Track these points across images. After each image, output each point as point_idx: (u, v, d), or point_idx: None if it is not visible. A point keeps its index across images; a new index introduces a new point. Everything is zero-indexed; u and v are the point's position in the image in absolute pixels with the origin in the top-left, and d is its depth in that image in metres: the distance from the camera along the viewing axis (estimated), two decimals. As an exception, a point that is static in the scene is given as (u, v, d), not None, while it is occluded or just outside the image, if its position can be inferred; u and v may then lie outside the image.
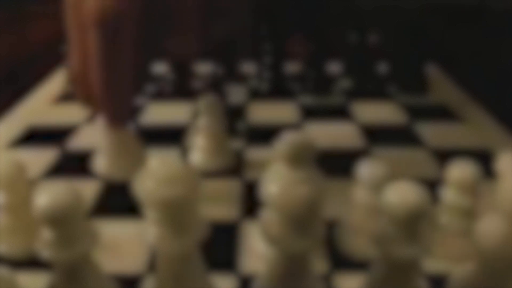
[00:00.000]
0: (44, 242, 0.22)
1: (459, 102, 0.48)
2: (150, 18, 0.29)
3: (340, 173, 0.35)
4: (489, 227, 0.22)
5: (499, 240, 0.22)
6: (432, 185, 0.29)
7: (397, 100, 0.49)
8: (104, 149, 0.33)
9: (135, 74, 0.30)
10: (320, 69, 0.50)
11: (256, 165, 0.38)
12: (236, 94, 0.50)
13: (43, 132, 0.44)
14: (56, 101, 0.50)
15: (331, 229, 0.31)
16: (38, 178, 0.37)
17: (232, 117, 0.44)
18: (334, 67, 0.54)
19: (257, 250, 0.29)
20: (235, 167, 0.38)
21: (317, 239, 0.22)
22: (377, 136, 0.42)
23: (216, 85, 0.52)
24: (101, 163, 0.33)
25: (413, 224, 0.21)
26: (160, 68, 0.56)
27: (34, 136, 0.43)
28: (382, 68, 0.51)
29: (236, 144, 0.41)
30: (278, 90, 0.51)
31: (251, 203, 0.34)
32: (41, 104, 0.50)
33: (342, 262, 0.29)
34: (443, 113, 0.46)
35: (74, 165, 0.39)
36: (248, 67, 0.55)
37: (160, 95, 0.50)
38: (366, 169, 0.28)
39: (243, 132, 0.43)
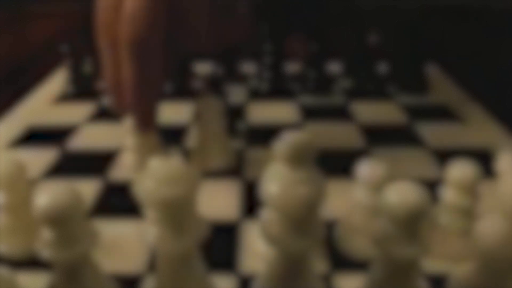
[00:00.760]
0: (44, 242, 0.22)
1: (459, 102, 0.48)
2: (172, 25, 0.32)
3: (340, 173, 0.35)
4: (489, 227, 0.22)
5: (499, 240, 0.22)
6: (432, 185, 0.29)
7: (397, 100, 0.49)
8: (130, 149, 0.37)
9: (162, 82, 0.34)
10: (320, 69, 0.50)
11: (256, 165, 0.38)
12: (236, 94, 0.50)
13: (43, 132, 0.44)
14: (56, 101, 0.50)
15: (331, 229, 0.31)
16: (38, 178, 0.37)
17: (232, 117, 0.44)
18: (334, 67, 0.54)
19: (257, 250, 0.29)
20: (235, 167, 0.38)
21: (317, 239, 0.22)
22: (377, 136, 0.42)
23: (216, 85, 0.52)
24: (127, 162, 0.38)
25: (413, 224, 0.21)
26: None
27: (34, 136, 0.43)
28: (382, 68, 0.51)
29: (236, 144, 0.41)
30: (278, 90, 0.51)
31: (251, 203, 0.34)
32: (41, 104, 0.50)
33: (342, 262, 0.29)
34: (443, 113, 0.46)
35: (74, 165, 0.39)
36: (248, 67, 0.55)
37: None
38: (366, 169, 0.28)
39: (243, 132, 0.43)
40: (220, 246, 0.30)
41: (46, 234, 0.22)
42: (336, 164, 0.37)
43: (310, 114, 0.47)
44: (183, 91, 0.50)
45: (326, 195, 0.22)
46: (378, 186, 0.27)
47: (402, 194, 0.21)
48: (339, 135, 0.43)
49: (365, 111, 0.47)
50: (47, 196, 0.21)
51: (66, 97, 0.51)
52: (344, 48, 0.51)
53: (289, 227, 0.22)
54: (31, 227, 0.30)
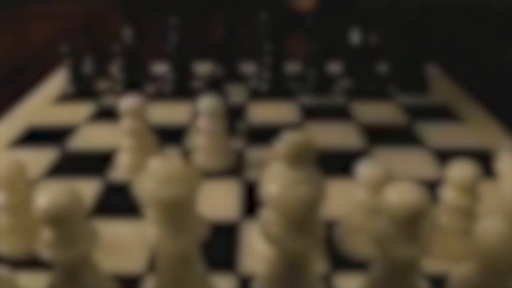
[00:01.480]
0: (44, 242, 0.22)
1: (459, 102, 0.48)
2: None
3: (340, 173, 0.35)
4: (489, 227, 0.22)
5: (499, 240, 0.22)
6: (432, 185, 0.29)
7: (397, 100, 0.49)
8: (127, 150, 0.37)
9: None
10: (320, 69, 0.50)
11: (256, 165, 0.38)
12: (236, 94, 0.50)
13: (43, 132, 0.44)
14: (56, 101, 0.50)
15: (331, 229, 0.31)
16: (38, 178, 0.37)
17: (232, 117, 0.44)
18: (334, 67, 0.54)
19: (257, 250, 0.29)
20: (235, 167, 0.38)
21: (317, 239, 0.22)
22: (377, 136, 0.42)
23: (216, 85, 0.52)
24: (123, 162, 0.37)
25: (413, 224, 0.21)
26: (160, 68, 0.56)
27: (34, 136, 0.43)
28: (382, 68, 0.51)
29: (236, 144, 0.41)
30: (278, 90, 0.51)
31: (251, 203, 0.34)
32: (41, 104, 0.50)
33: (342, 262, 0.29)
34: (443, 113, 0.46)
35: (74, 165, 0.39)
36: (248, 67, 0.55)
37: (160, 95, 0.50)
38: (366, 169, 0.28)
39: (243, 132, 0.43)
40: (220, 246, 0.30)
41: (46, 234, 0.22)
42: (336, 164, 0.37)
43: (310, 114, 0.47)
44: (183, 91, 0.50)
45: (326, 195, 0.22)
46: (378, 186, 0.27)
47: (402, 194, 0.21)
48: (339, 135, 0.43)
49: (365, 111, 0.47)
50: (47, 196, 0.21)
51: (66, 97, 0.51)
52: (344, 48, 0.51)
53: (289, 227, 0.22)
54: (31, 227, 0.30)
